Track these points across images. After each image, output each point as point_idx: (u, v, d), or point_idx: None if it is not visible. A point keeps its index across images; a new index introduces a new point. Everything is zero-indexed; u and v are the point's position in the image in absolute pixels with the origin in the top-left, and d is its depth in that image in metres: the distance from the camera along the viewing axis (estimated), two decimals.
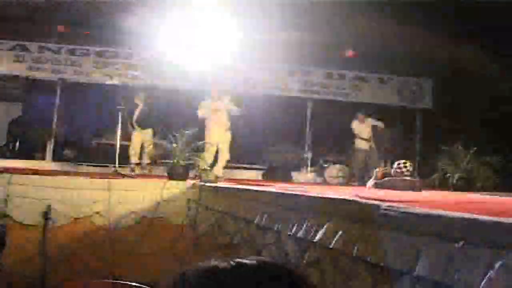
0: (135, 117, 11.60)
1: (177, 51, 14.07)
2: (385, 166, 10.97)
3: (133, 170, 11.23)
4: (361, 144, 12.70)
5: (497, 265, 1.90)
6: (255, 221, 4.78)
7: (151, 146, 11.17)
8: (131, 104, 11.42)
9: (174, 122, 11.69)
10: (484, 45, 12.44)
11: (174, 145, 9.21)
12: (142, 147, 11.72)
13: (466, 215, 2.30)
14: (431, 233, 2.34)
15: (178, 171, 8.93)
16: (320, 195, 4.02)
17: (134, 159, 11.40)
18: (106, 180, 8.00)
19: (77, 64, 14.13)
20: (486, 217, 2.19)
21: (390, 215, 2.75)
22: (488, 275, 1.92)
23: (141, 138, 11.43)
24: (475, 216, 2.26)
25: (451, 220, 2.29)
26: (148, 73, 14.51)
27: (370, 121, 12.88)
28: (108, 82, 12.58)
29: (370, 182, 8.14)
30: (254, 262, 1.07)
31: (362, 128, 12.84)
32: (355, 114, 12.95)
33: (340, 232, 3.20)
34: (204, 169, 9.32)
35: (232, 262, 1.06)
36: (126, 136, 12.19)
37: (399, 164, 7.50)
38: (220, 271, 1.04)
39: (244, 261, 1.07)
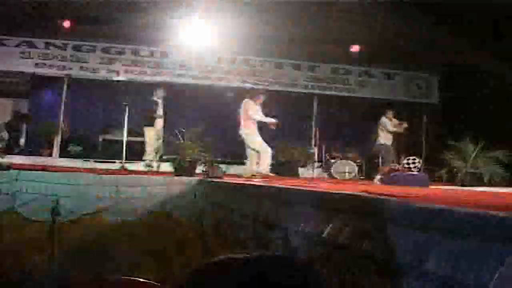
0: (159, 112, 11.52)
1: (183, 47, 14.10)
2: (393, 162, 10.94)
3: (150, 166, 11.07)
4: (385, 139, 12.07)
5: (508, 261, 1.89)
6: (262, 217, 4.77)
7: (161, 141, 11.04)
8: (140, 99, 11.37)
9: (180, 117, 11.70)
10: (490, 41, 12.40)
11: (181, 141, 9.22)
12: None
13: (475, 210, 2.29)
14: (440, 228, 2.33)
15: (184, 166, 8.94)
16: (327, 191, 4.02)
17: (151, 156, 11.14)
18: (113, 176, 8.02)
19: (83, 60, 14.17)
20: (496, 212, 2.18)
21: (399, 211, 2.74)
22: (499, 271, 1.91)
23: (155, 133, 11.27)
24: (484, 211, 2.25)
25: (460, 215, 2.28)
26: (155, 68, 14.54)
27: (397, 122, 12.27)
28: (115, 78, 12.59)
29: (377, 178, 8.14)
30: (267, 256, 1.08)
31: (390, 124, 12.21)
32: (385, 111, 12.29)
33: (348, 228, 3.19)
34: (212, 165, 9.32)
35: (244, 256, 1.08)
36: (134, 132, 12.23)
37: (408, 160, 7.48)
38: (233, 264, 1.05)
39: (257, 254, 1.08)
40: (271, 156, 10.59)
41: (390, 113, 12.27)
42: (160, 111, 11.70)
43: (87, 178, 7.89)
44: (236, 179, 8.42)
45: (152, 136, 11.37)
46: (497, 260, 1.94)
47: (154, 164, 10.55)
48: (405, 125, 12.31)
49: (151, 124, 11.47)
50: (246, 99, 10.61)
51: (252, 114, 10.31)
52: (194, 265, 1.10)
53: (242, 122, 10.42)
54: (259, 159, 10.38)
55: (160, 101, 11.65)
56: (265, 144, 10.43)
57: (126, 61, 14.38)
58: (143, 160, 11.16)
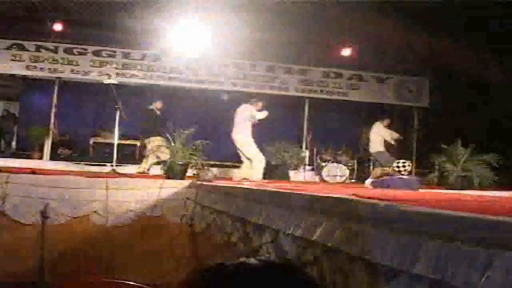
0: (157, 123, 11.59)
1: (175, 50, 14.10)
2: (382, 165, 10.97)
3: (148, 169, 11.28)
4: (380, 146, 12.36)
5: (495, 265, 1.90)
6: (253, 220, 4.77)
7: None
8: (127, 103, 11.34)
9: (172, 120, 11.68)
10: (481, 44, 12.47)
11: (172, 144, 9.21)
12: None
13: (464, 214, 2.30)
14: (429, 232, 2.34)
15: (175, 170, 8.92)
16: (318, 194, 4.02)
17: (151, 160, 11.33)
18: (104, 179, 7.99)
19: (74, 63, 14.12)
20: (485, 216, 2.19)
21: (388, 214, 2.75)
22: (486, 274, 1.92)
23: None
24: (473, 214, 2.26)
25: (449, 219, 2.29)
26: (146, 72, 14.53)
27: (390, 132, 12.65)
28: (106, 81, 12.55)
29: (368, 181, 8.15)
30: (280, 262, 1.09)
31: (385, 134, 12.50)
32: (380, 118, 12.61)
33: (338, 231, 3.19)
34: (202, 168, 9.30)
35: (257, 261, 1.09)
36: (125, 136, 12.24)
37: (398, 163, 7.49)
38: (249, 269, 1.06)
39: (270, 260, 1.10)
40: (265, 163, 10.54)
41: (386, 121, 12.38)
42: (157, 121, 11.71)
43: (77, 181, 7.86)
44: (227, 182, 8.41)
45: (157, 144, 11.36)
46: (485, 263, 1.95)
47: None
48: (395, 135, 12.43)
49: (153, 133, 11.45)
50: (245, 104, 10.60)
51: (254, 114, 10.31)
52: (199, 268, 1.11)
53: (237, 127, 10.38)
54: (252, 167, 10.34)
55: (158, 113, 11.70)
56: (259, 153, 10.39)
57: (117, 64, 14.36)
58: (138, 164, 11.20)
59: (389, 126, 12.69)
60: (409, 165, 7.52)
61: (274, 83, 15.30)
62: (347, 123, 16.43)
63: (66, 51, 14.12)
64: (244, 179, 9.97)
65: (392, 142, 12.44)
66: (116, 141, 10.86)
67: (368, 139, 12.65)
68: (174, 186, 8.17)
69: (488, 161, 9.58)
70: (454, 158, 9.71)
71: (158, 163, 10.47)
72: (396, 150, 13.03)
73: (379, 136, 12.28)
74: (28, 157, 13.84)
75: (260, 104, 10.66)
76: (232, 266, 1.07)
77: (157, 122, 11.57)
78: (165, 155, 10.39)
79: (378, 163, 12.12)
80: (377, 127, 12.38)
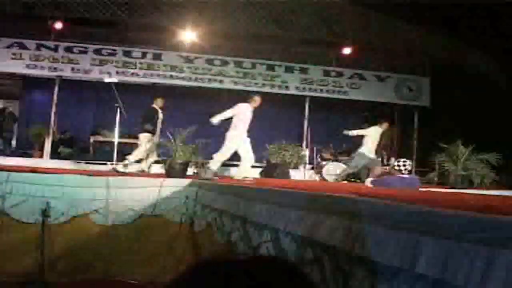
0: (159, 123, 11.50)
1: (175, 48, 14.10)
2: (383, 164, 10.97)
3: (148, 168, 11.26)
4: (368, 151, 12.03)
5: (496, 264, 1.90)
6: (253, 219, 4.77)
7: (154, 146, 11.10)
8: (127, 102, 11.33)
9: (173, 118, 11.68)
10: (481, 43, 12.47)
11: (172, 142, 9.21)
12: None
13: (465, 213, 2.30)
14: (430, 230, 2.34)
15: (176, 169, 8.92)
16: (318, 193, 4.02)
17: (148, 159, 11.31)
18: (105, 178, 7.98)
19: (74, 61, 14.11)
20: (485, 215, 2.19)
21: (388, 213, 2.75)
22: (487, 273, 1.92)
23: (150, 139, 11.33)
24: (473, 213, 2.26)
25: (449, 218, 2.29)
26: (147, 70, 14.52)
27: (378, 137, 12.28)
28: (106, 79, 12.55)
29: (368, 180, 8.14)
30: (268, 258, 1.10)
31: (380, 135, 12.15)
32: (380, 120, 12.25)
33: (338, 230, 3.19)
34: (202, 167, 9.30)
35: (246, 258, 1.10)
36: (125, 134, 12.23)
37: (398, 162, 7.49)
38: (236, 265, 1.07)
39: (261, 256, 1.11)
40: (220, 164, 10.48)
41: (385, 124, 12.19)
42: (159, 118, 11.66)
43: (78, 180, 7.85)
44: (227, 181, 8.41)
45: (146, 141, 11.32)
46: (487, 262, 1.95)
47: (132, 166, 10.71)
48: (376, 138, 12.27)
49: (148, 131, 11.42)
50: (242, 103, 10.57)
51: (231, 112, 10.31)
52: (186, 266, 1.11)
53: (232, 124, 10.42)
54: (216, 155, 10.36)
55: (159, 110, 11.65)
56: (227, 153, 10.34)
57: (118, 62, 14.35)
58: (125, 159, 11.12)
59: (389, 127, 12.61)
60: (409, 164, 7.51)
61: (275, 81, 15.30)
62: (347, 122, 16.42)
63: (66, 49, 14.12)
64: (245, 177, 9.96)
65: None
66: (116, 139, 10.86)
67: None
68: (174, 185, 8.16)
69: (489, 161, 9.57)
70: (454, 157, 9.70)
71: (158, 162, 10.48)
72: (397, 149, 13.02)
73: (369, 137, 12.10)
74: (29, 155, 13.84)
75: (257, 99, 10.57)
76: (219, 261, 1.08)
77: (158, 119, 11.54)
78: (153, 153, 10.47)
79: (348, 164, 12.17)
80: (371, 129, 12.17)
